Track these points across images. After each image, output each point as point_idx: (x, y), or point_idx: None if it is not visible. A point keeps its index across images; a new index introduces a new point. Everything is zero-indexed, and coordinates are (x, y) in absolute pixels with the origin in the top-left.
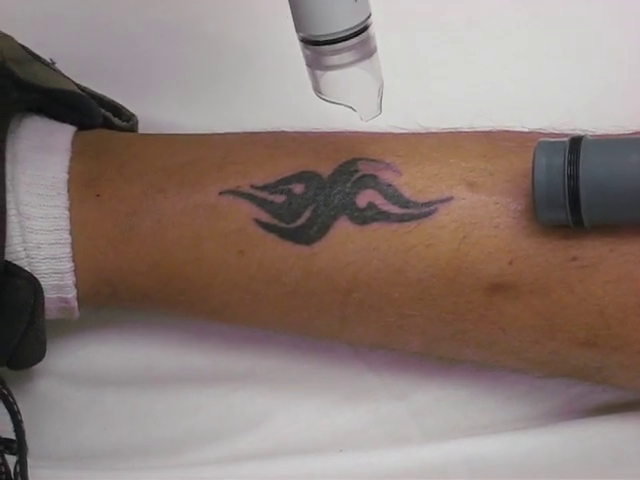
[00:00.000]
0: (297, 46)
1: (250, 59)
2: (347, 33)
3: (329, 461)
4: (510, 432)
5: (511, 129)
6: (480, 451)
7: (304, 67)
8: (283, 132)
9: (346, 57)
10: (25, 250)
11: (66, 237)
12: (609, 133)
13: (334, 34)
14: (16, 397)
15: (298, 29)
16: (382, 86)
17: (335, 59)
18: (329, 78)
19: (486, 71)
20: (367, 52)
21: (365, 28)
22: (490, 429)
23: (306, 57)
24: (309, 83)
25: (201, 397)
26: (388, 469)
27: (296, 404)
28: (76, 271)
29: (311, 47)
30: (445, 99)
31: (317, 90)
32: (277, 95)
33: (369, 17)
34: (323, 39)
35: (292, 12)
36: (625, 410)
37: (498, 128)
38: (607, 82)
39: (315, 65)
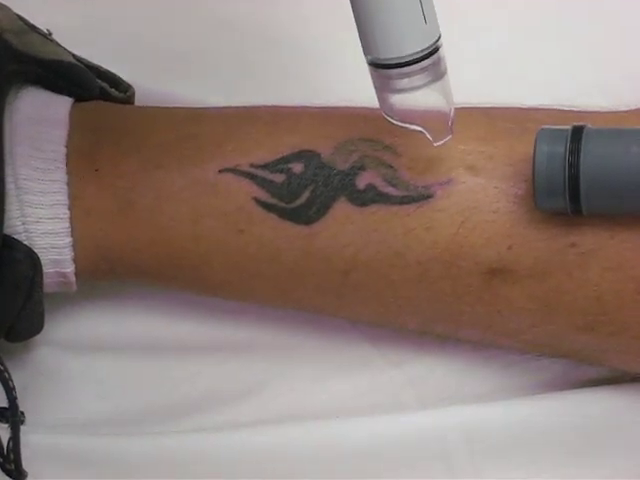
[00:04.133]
0: (295, 18)
1: (247, 31)
2: (418, 56)
3: (325, 427)
4: (507, 400)
5: (510, 106)
6: (477, 418)
7: (301, 39)
8: (282, 107)
9: (416, 80)
10: (24, 224)
11: (64, 212)
12: (612, 110)
13: (405, 57)
14: (12, 365)
15: (366, 52)
16: (453, 108)
17: (405, 82)
18: (399, 101)
19: (486, 45)
20: (438, 74)
21: (436, 50)
22: (487, 397)
23: (374, 80)
24: (308, 56)
25: (198, 365)
26: (385, 435)
27: (293, 372)
28: (74, 246)
29: (380, 70)
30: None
31: (386, 113)
32: (274, 67)
33: (439, 38)
34: (393, 62)
35: (360, 35)
36: (621, 380)
37: (497, 105)
38: (611, 60)
39: (384, 88)
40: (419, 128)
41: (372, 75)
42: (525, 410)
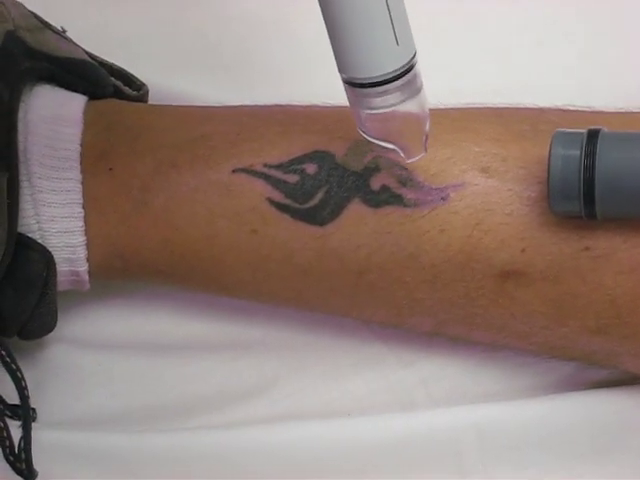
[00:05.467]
0: (305, 15)
1: (261, 29)
2: (390, 76)
3: (337, 425)
4: (518, 400)
5: (523, 107)
6: (489, 417)
7: (313, 37)
8: (296, 107)
9: (390, 99)
10: (38, 223)
11: (79, 211)
12: (624, 110)
13: (377, 77)
14: (25, 362)
15: (341, 70)
16: (428, 124)
17: (379, 101)
18: (373, 118)
19: (496, 40)
20: (413, 91)
21: (410, 69)
22: (498, 397)
23: (349, 97)
24: (318, 53)
25: (209, 363)
26: (396, 433)
27: (304, 370)
28: (88, 245)
29: (354, 89)
30: (455, 70)
31: (361, 129)
32: (285, 63)
33: (414, 57)
34: (366, 82)
35: (335, 54)
36: (633, 382)
37: (510, 105)
38: (620, 54)
39: (359, 106)
40: (392, 146)
41: (347, 92)
42: (536, 410)
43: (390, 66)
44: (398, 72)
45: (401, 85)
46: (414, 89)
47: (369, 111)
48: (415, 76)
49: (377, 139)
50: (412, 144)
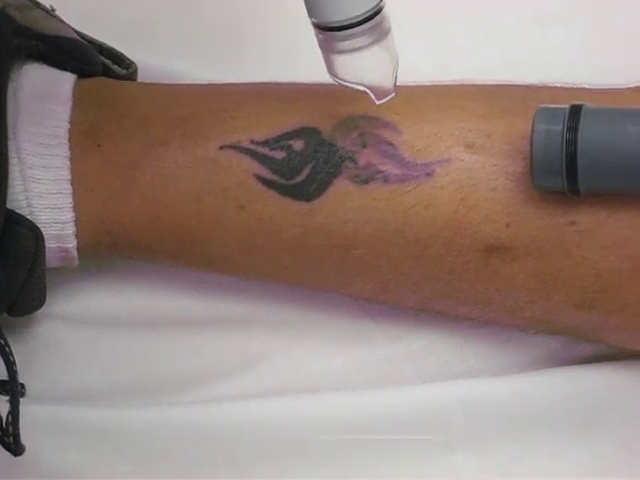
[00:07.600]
0: None
1: (248, 6)
2: (360, 18)
3: (324, 400)
4: (506, 375)
5: (511, 83)
6: (475, 392)
7: (304, 16)
8: (282, 84)
9: (360, 41)
10: (27, 199)
11: (67, 187)
12: (609, 87)
13: (347, 20)
14: (15, 338)
15: (310, 14)
16: (397, 65)
17: (348, 44)
18: (343, 61)
19: (485, 18)
20: (381, 34)
21: (378, 11)
22: (486, 372)
23: (319, 41)
24: (308, 32)
25: (198, 338)
26: (384, 409)
27: (292, 346)
28: (77, 221)
29: (323, 32)
30: (445, 48)
31: (331, 73)
32: (275, 43)
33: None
34: (335, 25)
35: None
36: (618, 357)
37: (498, 82)
38: (608, 33)
39: (329, 49)
40: (363, 88)
41: (316, 36)
42: (523, 385)
43: (358, 9)
44: (368, 14)
45: (369, 28)
46: (382, 32)
47: (338, 54)
48: (383, 19)
49: (347, 82)
50: (382, 85)
